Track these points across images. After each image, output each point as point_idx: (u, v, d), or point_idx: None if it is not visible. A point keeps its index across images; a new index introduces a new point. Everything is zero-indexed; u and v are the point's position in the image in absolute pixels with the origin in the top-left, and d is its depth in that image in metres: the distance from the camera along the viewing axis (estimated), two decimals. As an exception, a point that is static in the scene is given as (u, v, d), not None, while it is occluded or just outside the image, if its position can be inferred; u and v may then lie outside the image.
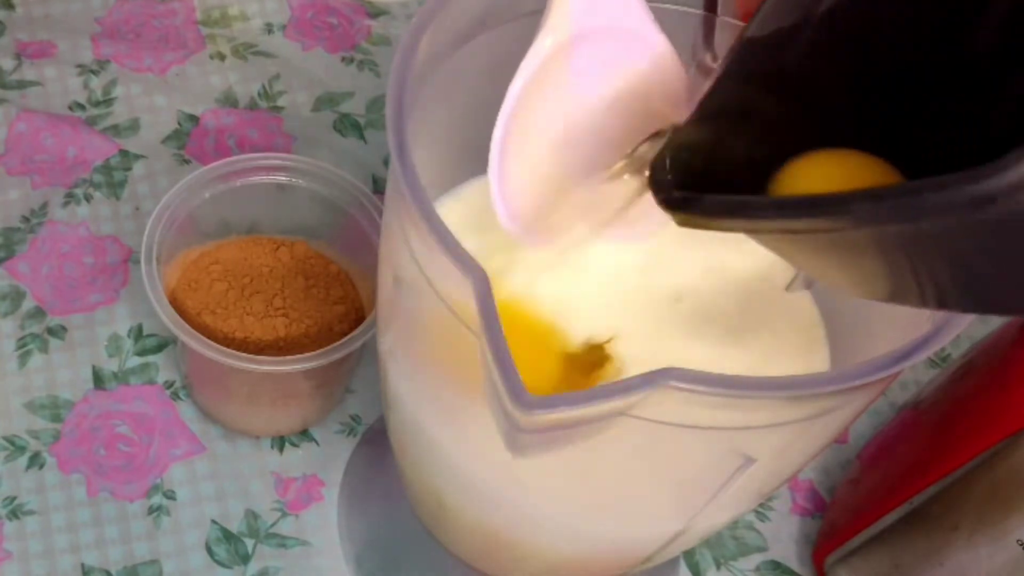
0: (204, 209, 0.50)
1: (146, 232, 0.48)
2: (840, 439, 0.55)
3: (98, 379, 0.54)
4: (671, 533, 0.34)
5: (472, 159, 0.37)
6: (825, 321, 0.36)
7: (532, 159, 0.30)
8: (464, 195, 0.37)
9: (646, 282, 0.35)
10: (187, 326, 0.46)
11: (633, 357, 0.34)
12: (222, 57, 0.64)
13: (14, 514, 0.51)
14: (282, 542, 0.51)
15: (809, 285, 0.36)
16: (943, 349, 0.57)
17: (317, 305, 0.50)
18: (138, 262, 0.57)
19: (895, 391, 0.56)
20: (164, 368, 0.55)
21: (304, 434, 0.54)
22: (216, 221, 0.52)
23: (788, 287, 0.36)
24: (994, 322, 0.58)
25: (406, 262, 0.29)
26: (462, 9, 0.30)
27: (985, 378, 0.45)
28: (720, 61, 0.28)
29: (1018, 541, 0.40)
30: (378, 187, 0.60)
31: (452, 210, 0.37)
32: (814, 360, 0.35)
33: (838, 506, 0.52)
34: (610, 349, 0.34)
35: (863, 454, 0.53)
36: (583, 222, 0.32)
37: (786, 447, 0.30)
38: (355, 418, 0.54)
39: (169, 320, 0.46)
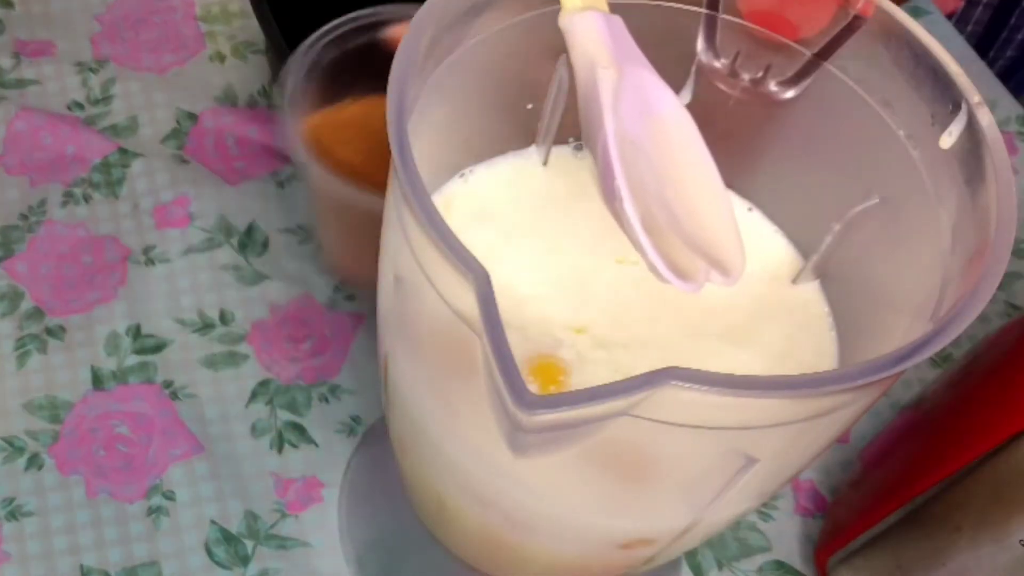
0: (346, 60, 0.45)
1: (290, 72, 0.43)
2: (842, 439, 0.55)
3: (97, 379, 0.54)
4: (673, 533, 0.34)
5: (472, 156, 0.37)
6: (835, 319, 0.36)
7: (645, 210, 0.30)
8: (466, 190, 0.37)
9: (651, 275, 0.35)
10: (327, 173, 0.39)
11: (635, 355, 0.34)
12: (221, 56, 0.64)
13: (13, 515, 0.51)
14: (282, 543, 0.51)
15: (818, 275, 0.36)
16: (944, 349, 0.57)
17: None
18: (137, 261, 0.57)
19: (897, 391, 0.56)
20: (163, 367, 0.54)
21: (303, 434, 0.54)
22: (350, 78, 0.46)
23: (795, 279, 0.36)
24: (996, 322, 0.58)
25: (407, 260, 0.29)
26: (462, 7, 0.30)
27: (987, 378, 0.45)
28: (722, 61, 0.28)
29: (1020, 541, 0.40)
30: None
31: (450, 208, 0.37)
32: (823, 360, 0.35)
33: (840, 506, 0.52)
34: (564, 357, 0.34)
35: (865, 454, 0.53)
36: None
37: (788, 447, 0.30)
38: (355, 419, 0.54)
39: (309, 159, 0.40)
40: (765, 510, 0.54)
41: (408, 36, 0.29)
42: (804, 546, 0.53)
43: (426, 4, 0.29)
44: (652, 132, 0.29)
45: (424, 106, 0.31)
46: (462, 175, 0.37)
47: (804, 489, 0.54)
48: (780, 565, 0.52)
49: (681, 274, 0.30)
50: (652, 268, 0.30)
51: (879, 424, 0.55)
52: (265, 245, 0.58)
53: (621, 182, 0.29)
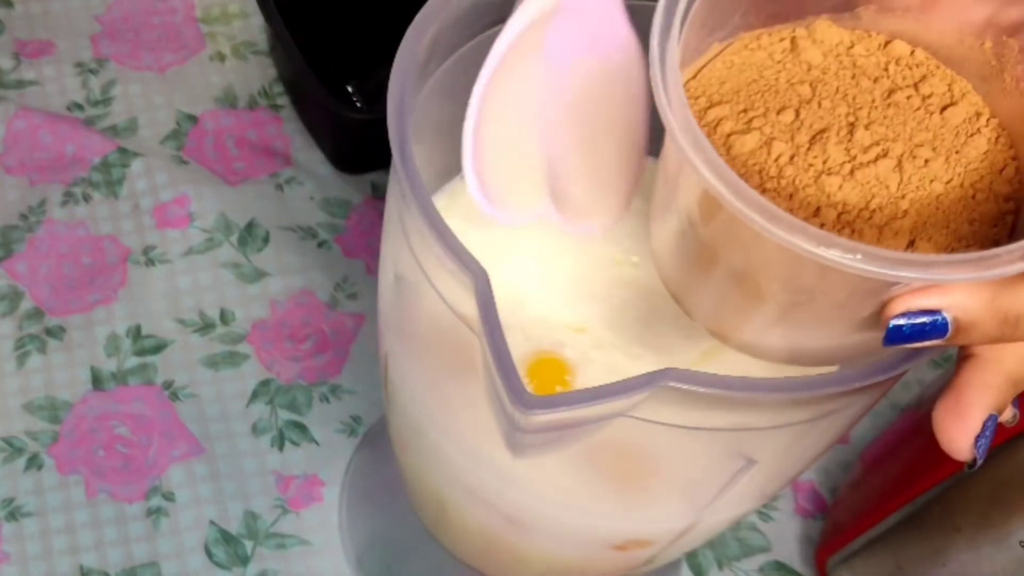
0: None
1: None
2: (842, 440, 0.55)
3: (96, 380, 0.54)
4: (673, 534, 0.34)
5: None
6: None
7: (506, 133, 0.30)
8: (465, 191, 0.37)
9: (650, 276, 0.35)
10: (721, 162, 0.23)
11: (634, 356, 0.34)
12: (222, 57, 0.64)
13: (12, 516, 0.51)
14: (282, 542, 0.51)
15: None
16: (945, 349, 0.57)
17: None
18: (137, 261, 0.57)
19: (897, 392, 0.56)
20: (163, 368, 0.54)
21: (304, 432, 0.54)
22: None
23: None
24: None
25: (407, 260, 0.29)
26: (463, 8, 0.30)
27: (987, 378, 0.45)
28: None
29: (1020, 542, 0.40)
30: (377, 193, 0.60)
31: (451, 208, 0.36)
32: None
33: (840, 507, 0.52)
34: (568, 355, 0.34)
35: (865, 455, 0.53)
36: (544, 200, 0.32)
37: (788, 449, 0.30)
38: (356, 418, 0.54)
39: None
40: (765, 510, 0.54)
41: (409, 36, 0.29)
42: (804, 546, 0.53)
43: (427, 4, 0.29)
44: (583, 68, 0.29)
45: (424, 106, 0.31)
46: (462, 176, 0.37)
47: (804, 490, 0.54)
48: (780, 565, 0.52)
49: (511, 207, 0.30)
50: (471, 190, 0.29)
51: (879, 425, 0.55)
52: (266, 241, 0.58)
53: (475, 101, 0.28)
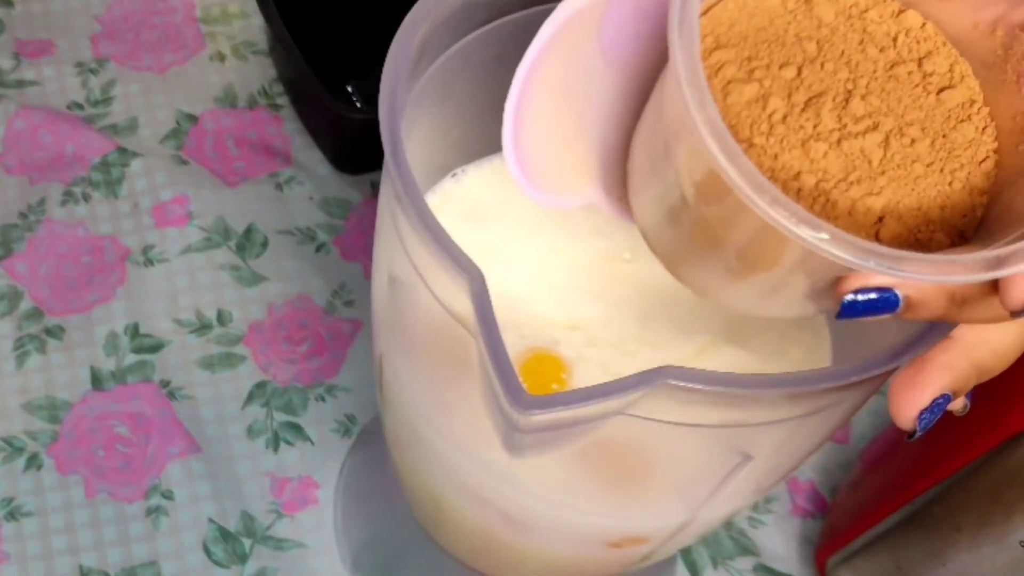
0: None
1: None
2: (842, 440, 0.55)
3: (96, 380, 0.54)
4: (669, 531, 0.34)
5: (463, 156, 0.37)
6: (829, 316, 0.36)
7: (553, 117, 0.30)
8: (458, 190, 0.37)
9: (650, 274, 0.35)
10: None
11: (629, 354, 0.34)
12: (222, 57, 0.64)
13: (12, 515, 0.51)
14: (278, 544, 0.51)
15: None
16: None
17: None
18: (136, 261, 0.57)
19: (897, 391, 0.56)
20: (160, 367, 0.54)
21: (299, 433, 0.53)
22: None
23: None
24: (997, 322, 0.58)
25: (401, 261, 0.29)
26: (454, 7, 0.30)
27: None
28: None
29: (1020, 542, 0.40)
30: (377, 193, 0.60)
31: (443, 207, 0.36)
32: (817, 358, 0.35)
33: (840, 507, 0.52)
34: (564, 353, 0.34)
35: (865, 455, 0.53)
36: (595, 187, 0.31)
37: (783, 444, 0.30)
38: (350, 417, 0.54)
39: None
40: (764, 510, 0.53)
41: (400, 35, 0.29)
42: (804, 547, 0.53)
43: (418, 3, 0.29)
44: (645, 56, 0.29)
45: (415, 106, 0.31)
46: (454, 175, 0.37)
47: (804, 490, 0.54)
48: (779, 565, 0.52)
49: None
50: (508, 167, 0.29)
51: (879, 425, 0.54)
52: (264, 246, 0.58)
53: (518, 83, 0.28)
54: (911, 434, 0.27)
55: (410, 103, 0.30)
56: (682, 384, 0.25)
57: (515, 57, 0.28)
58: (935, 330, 0.27)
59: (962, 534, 0.42)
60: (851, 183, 0.25)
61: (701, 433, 0.28)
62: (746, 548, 0.52)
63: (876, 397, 0.31)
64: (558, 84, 0.29)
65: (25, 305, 0.56)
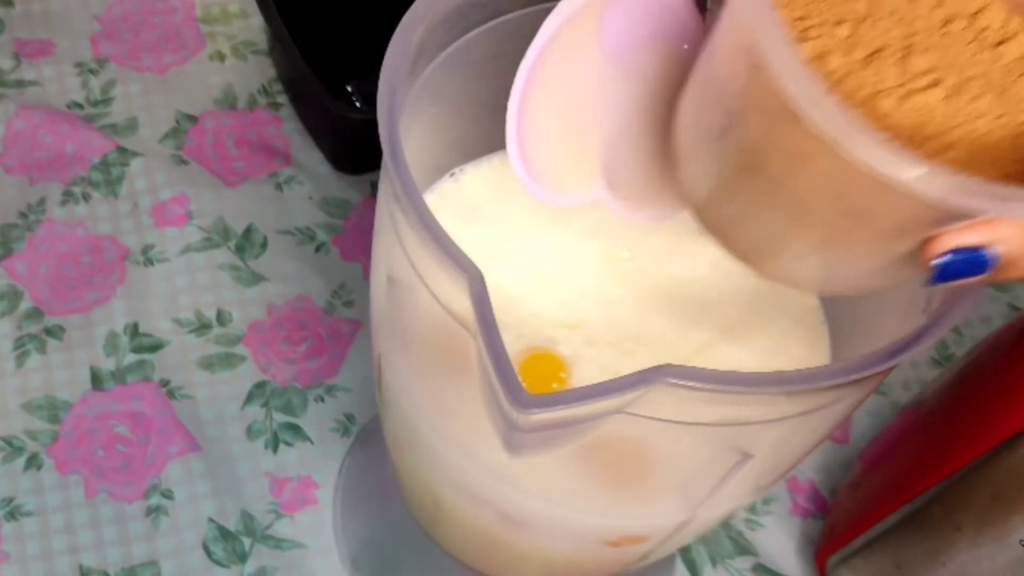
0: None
1: None
2: (842, 439, 0.55)
3: (96, 379, 0.54)
4: (668, 530, 0.34)
5: (462, 156, 0.37)
6: (827, 317, 0.36)
7: (556, 115, 0.30)
8: (456, 189, 0.37)
9: (649, 272, 0.35)
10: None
11: (628, 352, 0.34)
12: (222, 57, 0.64)
13: (12, 515, 0.51)
14: (278, 544, 0.51)
15: None
16: (947, 348, 0.57)
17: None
18: (136, 261, 0.57)
19: (897, 391, 0.56)
20: (160, 367, 0.54)
21: (298, 433, 0.53)
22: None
23: None
24: (998, 323, 0.58)
25: (400, 261, 0.29)
26: (452, 6, 0.30)
27: (988, 378, 0.45)
28: None
29: (1021, 541, 0.40)
30: (376, 192, 0.60)
31: (441, 206, 0.37)
32: (816, 356, 0.35)
33: (840, 507, 0.52)
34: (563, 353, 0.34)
35: (865, 455, 0.53)
36: (599, 183, 0.31)
37: (783, 442, 0.30)
38: (349, 417, 0.54)
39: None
40: (764, 510, 0.53)
41: (398, 35, 0.29)
42: (804, 546, 0.53)
43: (416, 3, 0.29)
44: (647, 54, 0.29)
45: (414, 105, 0.31)
46: (452, 174, 0.37)
47: (804, 490, 0.54)
48: (779, 565, 0.52)
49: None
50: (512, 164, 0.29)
51: (879, 424, 0.54)
52: (263, 246, 0.58)
53: (520, 82, 0.28)
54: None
55: (409, 103, 0.30)
56: (681, 382, 0.25)
57: (513, 56, 0.28)
58: (935, 327, 0.27)
59: (962, 534, 0.42)
60: (924, 139, 0.24)
61: (700, 432, 0.28)
62: (745, 548, 0.52)
63: (876, 397, 0.31)
64: (560, 81, 0.29)
65: (25, 305, 0.56)
